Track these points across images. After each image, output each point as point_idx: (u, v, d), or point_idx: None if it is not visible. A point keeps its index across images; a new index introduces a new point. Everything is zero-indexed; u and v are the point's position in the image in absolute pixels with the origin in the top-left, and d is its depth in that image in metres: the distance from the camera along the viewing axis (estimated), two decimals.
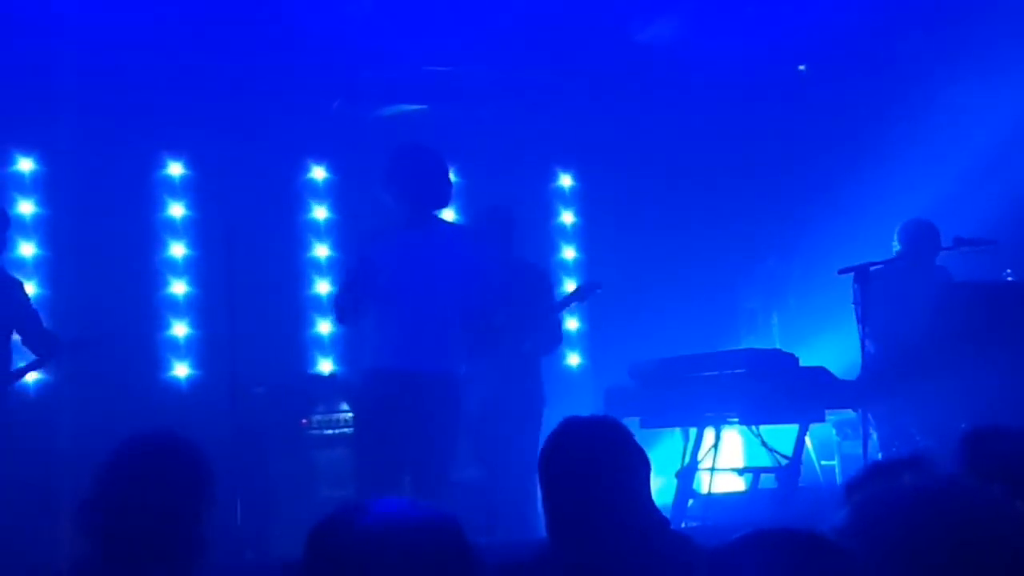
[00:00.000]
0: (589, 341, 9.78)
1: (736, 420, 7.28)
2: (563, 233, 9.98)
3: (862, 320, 6.77)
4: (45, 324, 7.17)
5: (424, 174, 6.17)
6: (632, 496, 3.21)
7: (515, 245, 7.23)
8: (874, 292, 7.05)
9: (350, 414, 7.31)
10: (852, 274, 6.86)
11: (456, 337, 6.21)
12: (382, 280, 6.07)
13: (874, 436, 7.14)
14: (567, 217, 10.02)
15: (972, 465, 2.61)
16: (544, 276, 7.54)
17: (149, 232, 8.82)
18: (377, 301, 6.14)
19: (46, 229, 8.60)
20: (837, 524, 1.80)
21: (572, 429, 3.32)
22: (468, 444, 7.11)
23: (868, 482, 1.87)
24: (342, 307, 6.34)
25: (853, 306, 6.82)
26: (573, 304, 7.78)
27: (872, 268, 6.84)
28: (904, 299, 7.30)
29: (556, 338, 7.54)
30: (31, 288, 8.42)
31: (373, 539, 1.98)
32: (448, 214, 9.16)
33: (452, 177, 6.39)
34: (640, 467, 3.28)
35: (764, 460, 7.48)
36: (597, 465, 3.19)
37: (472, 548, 2.05)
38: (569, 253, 9.92)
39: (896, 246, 7.67)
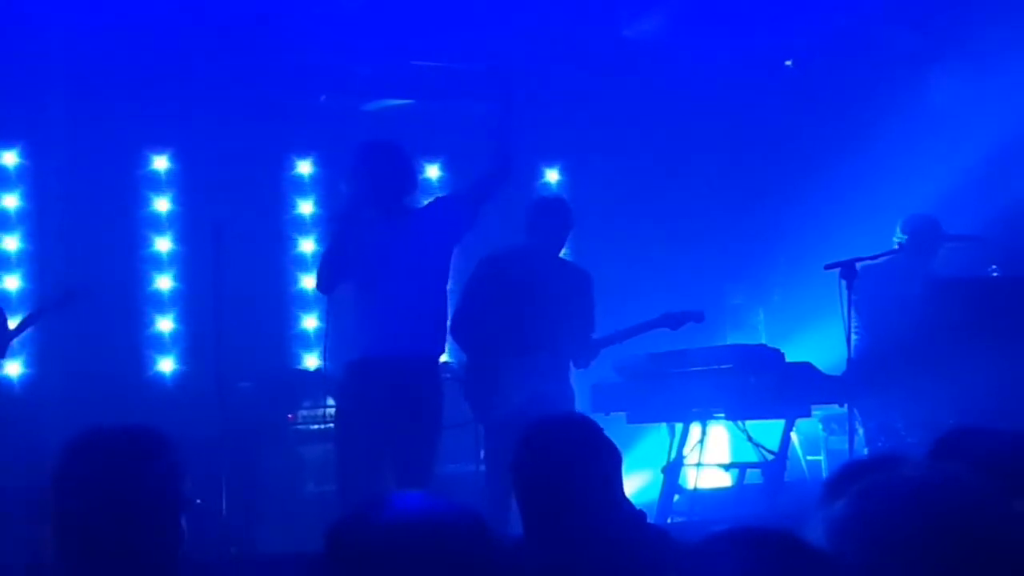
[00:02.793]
0: None
1: (722, 415, 7.29)
2: None
3: (848, 315, 6.79)
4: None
5: (390, 168, 6.23)
6: (604, 491, 3.24)
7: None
8: (872, 285, 7.08)
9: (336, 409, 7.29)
10: (838, 270, 6.87)
11: (435, 322, 6.25)
12: (358, 271, 6.16)
13: (860, 431, 7.16)
14: None
15: (951, 460, 2.62)
16: (589, 281, 7.17)
17: (135, 227, 8.80)
18: (354, 292, 6.23)
19: (31, 223, 8.58)
20: (832, 517, 1.80)
21: (542, 428, 3.36)
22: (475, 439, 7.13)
23: (861, 476, 1.87)
24: (319, 273, 6.40)
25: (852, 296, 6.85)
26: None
27: (858, 264, 6.85)
28: (898, 294, 7.31)
29: (592, 353, 7.08)
30: (14, 281, 8.43)
31: (394, 534, 1.98)
32: None
33: (422, 170, 6.41)
34: (611, 462, 3.30)
35: (750, 455, 7.49)
36: (568, 463, 3.21)
37: (495, 543, 2.05)
38: None
39: (901, 237, 7.62)
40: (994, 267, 7.73)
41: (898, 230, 7.63)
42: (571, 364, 7.01)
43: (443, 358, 6.49)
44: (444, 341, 6.33)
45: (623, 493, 3.31)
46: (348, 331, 6.28)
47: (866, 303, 7.25)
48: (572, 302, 6.94)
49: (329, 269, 6.27)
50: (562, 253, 7.23)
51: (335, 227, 6.33)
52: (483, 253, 7.02)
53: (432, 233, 6.21)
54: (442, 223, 6.26)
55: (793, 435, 7.49)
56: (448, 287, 6.34)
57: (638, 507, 3.41)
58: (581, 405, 7.07)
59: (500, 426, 6.64)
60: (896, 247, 7.57)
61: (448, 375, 7.04)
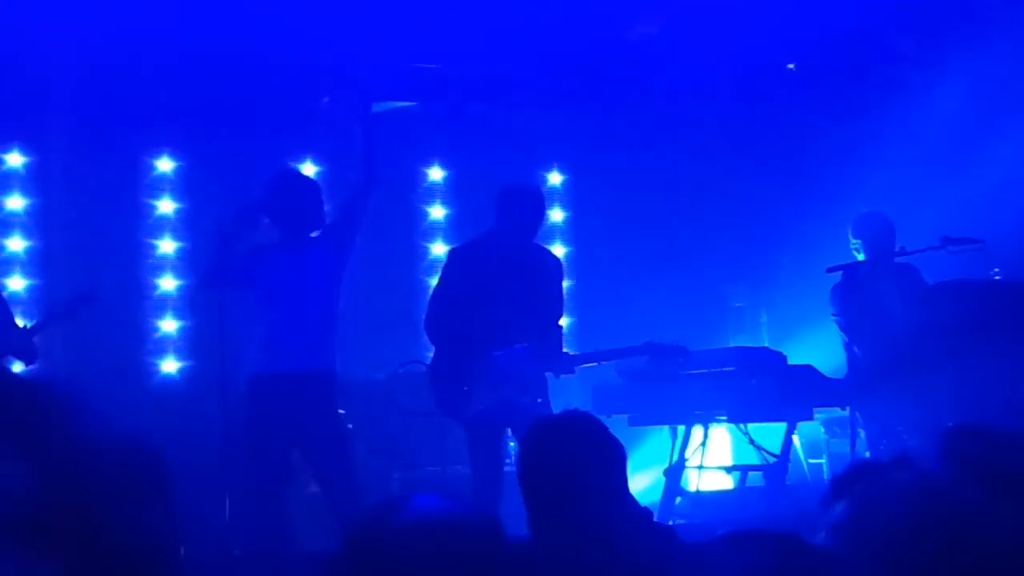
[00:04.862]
0: (577, 338, 9.80)
1: (724, 418, 7.30)
2: (552, 230, 9.98)
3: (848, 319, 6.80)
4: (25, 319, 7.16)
5: (299, 201, 6.61)
6: (609, 489, 3.25)
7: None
8: (850, 294, 7.06)
9: (340, 411, 7.29)
10: (840, 273, 6.87)
11: (323, 339, 6.53)
12: (258, 292, 6.57)
13: (862, 434, 7.16)
14: (556, 214, 10.02)
15: (951, 463, 2.62)
16: (558, 267, 7.11)
17: (139, 227, 8.81)
18: (255, 313, 6.64)
19: (36, 223, 8.59)
20: (831, 520, 1.81)
21: (547, 426, 3.40)
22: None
23: (861, 479, 1.88)
24: (207, 270, 6.82)
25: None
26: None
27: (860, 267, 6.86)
28: (872, 296, 7.28)
29: (563, 361, 6.89)
30: (20, 282, 8.43)
31: (411, 536, 1.99)
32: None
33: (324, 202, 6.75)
34: (616, 459, 3.32)
35: (752, 458, 7.50)
36: (573, 460, 3.23)
37: (509, 543, 2.06)
38: (558, 250, 9.93)
39: (855, 243, 7.52)
40: (996, 270, 7.73)
41: (850, 236, 7.50)
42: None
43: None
44: (332, 356, 6.60)
45: (629, 491, 3.32)
46: (251, 347, 6.56)
47: (844, 313, 7.23)
48: (539, 288, 6.90)
49: (218, 269, 6.65)
50: (561, 253, 7.21)
51: (228, 230, 6.62)
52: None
53: (323, 261, 6.57)
54: (330, 251, 6.60)
55: (795, 438, 7.50)
56: (338, 307, 6.66)
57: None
58: (583, 407, 7.05)
59: (481, 426, 6.66)
60: (854, 253, 7.47)
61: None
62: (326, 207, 6.72)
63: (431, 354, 7.03)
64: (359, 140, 6.95)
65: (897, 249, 7.30)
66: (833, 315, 7.23)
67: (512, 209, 6.86)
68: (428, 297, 7.10)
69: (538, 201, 6.98)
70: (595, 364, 7.11)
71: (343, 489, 6.41)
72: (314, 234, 6.66)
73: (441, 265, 7.16)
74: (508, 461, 7.43)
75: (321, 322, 6.55)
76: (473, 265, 6.86)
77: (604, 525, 3.15)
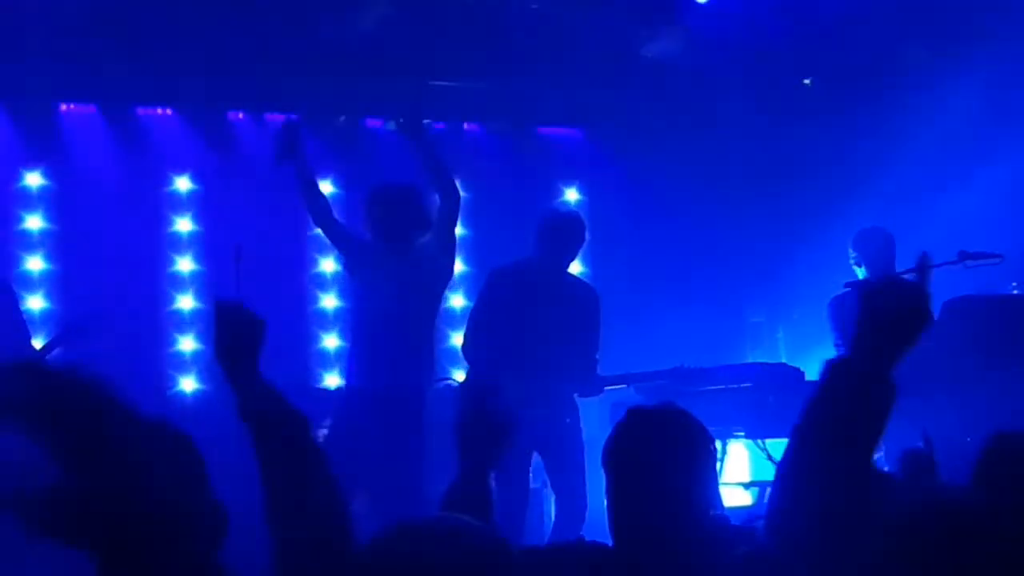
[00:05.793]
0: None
1: (742, 434, 7.28)
2: None
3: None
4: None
5: (402, 212, 6.54)
6: (701, 488, 3.14)
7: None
8: (847, 312, 7.04)
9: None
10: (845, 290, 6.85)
11: (421, 356, 6.51)
12: (359, 305, 6.64)
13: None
14: None
15: (990, 479, 2.61)
16: (595, 300, 7.21)
17: (156, 246, 8.83)
18: (353, 324, 6.73)
19: (54, 243, 8.61)
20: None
21: (639, 418, 3.23)
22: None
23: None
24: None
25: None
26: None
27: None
28: None
29: (592, 383, 7.08)
30: (38, 302, 8.45)
31: (418, 555, 2.00)
32: None
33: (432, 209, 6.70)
34: (710, 459, 3.21)
35: (770, 474, 7.46)
36: (665, 456, 3.10)
37: (514, 562, 2.07)
38: (574, 267, 9.90)
39: (854, 255, 7.48)
40: (1015, 284, 7.70)
41: (850, 250, 7.47)
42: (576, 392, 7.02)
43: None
44: (428, 373, 6.60)
45: (718, 492, 3.23)
46: (346, 359, 6.52)
47: (842, 332, 7.21)
48: (575, 319, 6.92)
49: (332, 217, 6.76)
50: (579, 271, 7.23)
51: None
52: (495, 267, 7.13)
53: (424, 279, 6.54)
54: (435, 266, 6.58)
55: None
56: (436, 324, 6.73)
57: None
58: (601, 424, 7.06)
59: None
60: (854, 268, 7.43)
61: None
62: (424, 210, 6.66)
63: (455, 370, 7.07)
64: (420, 157, 6.85)
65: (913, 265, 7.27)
66: (834, 342, 7.21)
67: (554, 237, 6.92)
68: (465, 315, 7.10)
69: (580, 230, 7.05)
70: (624, 386, 7.16)
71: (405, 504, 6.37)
72: (417, 242, 6.61)
73: (481, 286, 7.19)
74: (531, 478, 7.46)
75: (419, 339, 6.53)
76: (513, 289, 6.90)
77: (689, 526, 3.04)
